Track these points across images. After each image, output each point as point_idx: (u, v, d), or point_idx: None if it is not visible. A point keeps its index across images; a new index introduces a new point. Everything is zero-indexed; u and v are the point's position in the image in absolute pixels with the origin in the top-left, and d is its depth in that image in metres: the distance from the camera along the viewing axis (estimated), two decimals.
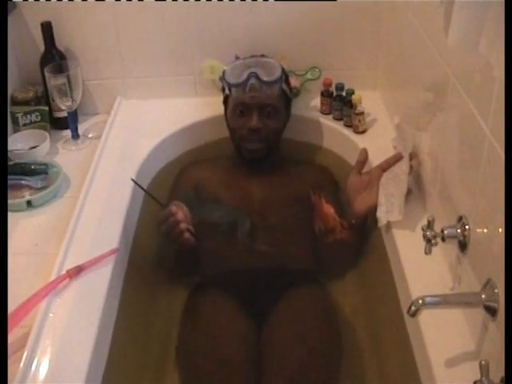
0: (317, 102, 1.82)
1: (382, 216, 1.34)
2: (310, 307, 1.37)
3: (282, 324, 1.33)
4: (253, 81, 1.54)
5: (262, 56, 1.65)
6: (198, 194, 1.55)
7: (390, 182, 1.38)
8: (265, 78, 1.55)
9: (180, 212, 1.32)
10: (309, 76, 1.82)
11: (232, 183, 1.60)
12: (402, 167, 1.38)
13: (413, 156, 1.40)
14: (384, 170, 1.42)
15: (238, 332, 1.32)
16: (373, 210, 1.38)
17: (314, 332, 1.31)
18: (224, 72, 1.62)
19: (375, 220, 1.37)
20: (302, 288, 1.40)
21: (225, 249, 1.46)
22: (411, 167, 1.39)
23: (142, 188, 1.41)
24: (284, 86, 1.61)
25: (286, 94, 1.62)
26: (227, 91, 1.61)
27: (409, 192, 1.39)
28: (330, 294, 1.47)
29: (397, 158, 1.42)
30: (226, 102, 1.65)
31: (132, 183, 1.45)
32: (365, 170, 1.48)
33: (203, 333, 1.32)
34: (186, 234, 1.32)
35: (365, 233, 1.48)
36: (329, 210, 1.43)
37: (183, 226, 1.31)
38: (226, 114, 1.65)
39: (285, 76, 1.63)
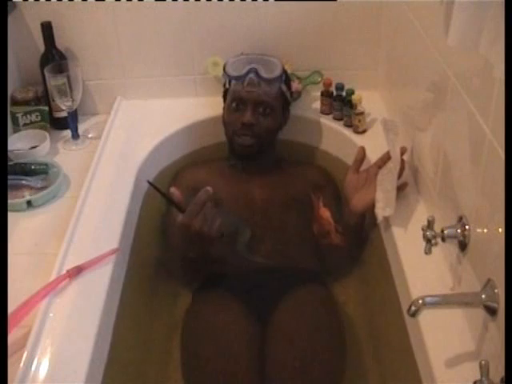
0: (317, 102, 1.82)
1: (379, 212, 1.35)
2: (312, 306, 1.37)
3: (285, 323, 1.33)
4: (252, 75, 1.55)
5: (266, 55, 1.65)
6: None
7: (386, 178, 1.38)
8: (264, 75, 1.55)
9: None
10: (310, 80, 1.82)
11: (230, 185, 1.59)
12: (394, 162, 1.39)
13: (403, 150, 1.41)
14: (380, 167, 1.42)
15: (242, 332, 1.32)
16: (371, 207, 1.38)
17: (316, 331, 1.31)
18: (225, 64, 1.62)
19: (374, 218, 1.37)
20: (304, 287, 1.41)
21: (227, 251, 1.45)
22: (403, 161, 1.40)
23: (159, 191, 1.37)
24: (283, 87, 1.61)
25: (284, 96, 1.62)
26: (227, 84, 1.62)
27: (405, 186, 1.40)
28: (332, 293, 1.47)
29: (390, 155, 1.42)
30: (225, 95, 1.65)
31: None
32: (363, 168, 1.49)
33: (207, 333, 1.32)
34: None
35: (364, 232, 1.48)
36: (325, 213, 1.44)
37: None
38: (224, 109, 1.65)
39: (286, 78, 1.63)
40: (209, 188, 1.23)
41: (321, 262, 1.50)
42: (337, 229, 1.43)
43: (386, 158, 1.42)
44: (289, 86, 1.66)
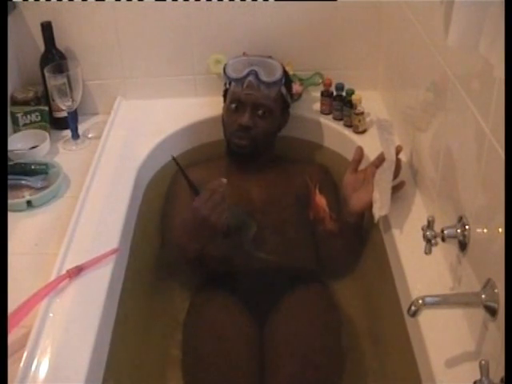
0: (317, 102, 1.82)
1: (376, 212, 1.35)
2: (311, 306, 1.37)
3: (284, 322, 1.33)
4: (251, 78, 1.54)
5: (269, 57, 1.65)
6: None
7: (383, 178, 1.39)
8: (264, 78, 1.55)
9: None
10: (311, 81, 1.82)
11: (229, 185, 1.59)
12: (389, 162, 1.39)
13: (399, 149, 1.41)
14: (377, 167, 1.42)
15: (242, 331, 1.32)
16: (369, 206, 1.39)
17: (315, 332, 1.31)
18: (226, 65, 1.62)
19: (372, 217, 1.37)
20: (304, 287, 1.41)
21: (227, 249, 1.45)
22: (399, 160, 1.40)
23: (181, 169, 1.40)
24: (283, 90, 1.60)
25: (284, 98, 1.62)
26: (227, 85, 1.62)
27: (402, 185, 1.40)
28: (332, 293, 1.47)
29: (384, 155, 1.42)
30: (225, 95, 1.65)
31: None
32: (362, 167, 1.49)
33: (207, 333, 1.32)
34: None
35: (363, 231, 1.48)
36: (320, 200, 1.43)
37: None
38: (223, 108, 1.65)
39: (286, 80, 1.62)
40: (224, 180, 1.30)
41: (319, 254, 1.50)
42: (331, 216, 1.43)
43: (382, 158, 1.42)
44: (289, 89, 1.65)
